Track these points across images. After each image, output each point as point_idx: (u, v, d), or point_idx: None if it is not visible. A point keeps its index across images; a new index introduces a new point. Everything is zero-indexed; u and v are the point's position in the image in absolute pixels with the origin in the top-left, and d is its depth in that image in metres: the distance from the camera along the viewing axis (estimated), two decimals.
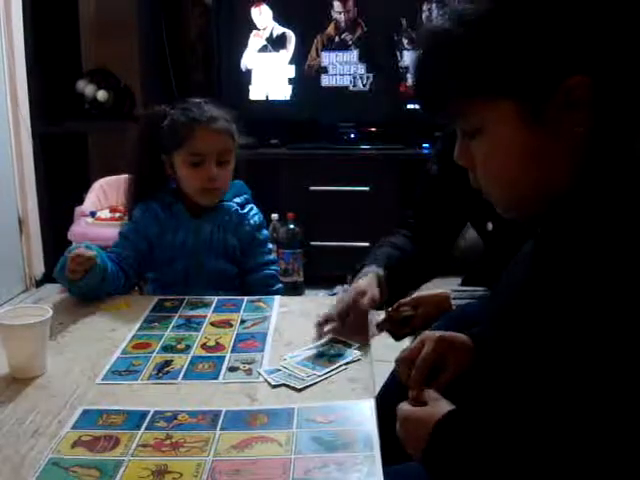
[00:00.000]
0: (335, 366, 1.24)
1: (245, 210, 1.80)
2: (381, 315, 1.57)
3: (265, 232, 1.83)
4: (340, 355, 1.28)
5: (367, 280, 1.42)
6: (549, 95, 0.77)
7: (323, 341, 1.34)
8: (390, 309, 1.56)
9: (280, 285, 1.84)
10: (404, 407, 1.00)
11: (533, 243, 0.91)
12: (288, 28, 3.64)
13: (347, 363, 1.25)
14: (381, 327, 1.55)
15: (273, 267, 1.82)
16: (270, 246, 1.84)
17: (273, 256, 1.85)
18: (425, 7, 3.43)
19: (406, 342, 1.63)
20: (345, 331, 1.35)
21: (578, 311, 0.75)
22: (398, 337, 1.58)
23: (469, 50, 0.80)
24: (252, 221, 1.79)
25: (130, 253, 1.74)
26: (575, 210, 0.81)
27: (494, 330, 0.96)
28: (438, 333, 1.09)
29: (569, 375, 0.76)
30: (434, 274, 1.61)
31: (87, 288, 1.57)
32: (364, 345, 1.32)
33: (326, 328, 1.37)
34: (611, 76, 0.76)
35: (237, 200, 1.80)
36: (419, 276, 1.59)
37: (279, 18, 3.63)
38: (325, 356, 1.28)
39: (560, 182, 0.82)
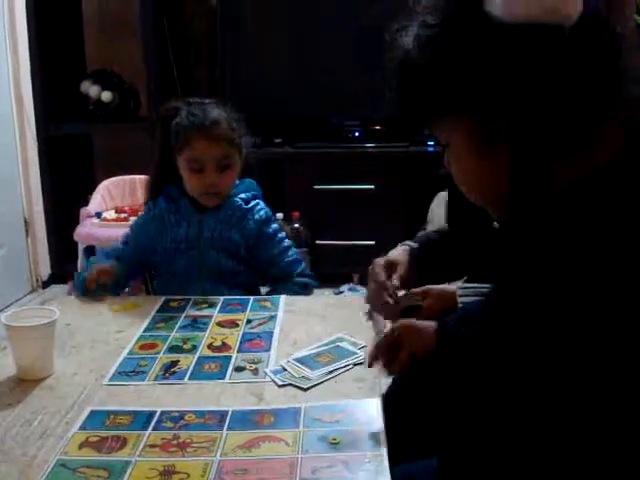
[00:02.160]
0: (341, 366, 1.24)
1: (250, 205, 1.79)
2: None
3: (274, 226, 1.82)
4: (346, 355, 1.28)
5: (399, 252, 1.41)
6: (495, 112, 0.80)
7: (329, 340, 1.34)
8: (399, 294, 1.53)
9: (303, 266, 1.83)
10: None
11: None
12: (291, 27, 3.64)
13: (355, 364, 1.25)
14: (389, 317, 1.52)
15: (290, 253, 1.81)
16: (282, 235, 1.83)
17: (287, 243, 1.83)
18: None
19: None
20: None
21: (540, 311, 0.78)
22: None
23: (427, 73, 0.84)
24: (257, 216, 1.78)
25: (134, 255, 1.80)
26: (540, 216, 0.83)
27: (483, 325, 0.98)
28: (405, 321, 1.20)
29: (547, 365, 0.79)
30: (466, 270, 1.59)
31: (101, 294, 1.66)
32: (370, 344, 1.32)
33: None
34: (527, 105, 0.79)
35: (242, 196, 1.79)
36: (452, 266, 1.56)
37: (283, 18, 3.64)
38: (331, 356, 1.28)
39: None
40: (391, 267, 1.37)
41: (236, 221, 1.76)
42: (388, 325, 1.43)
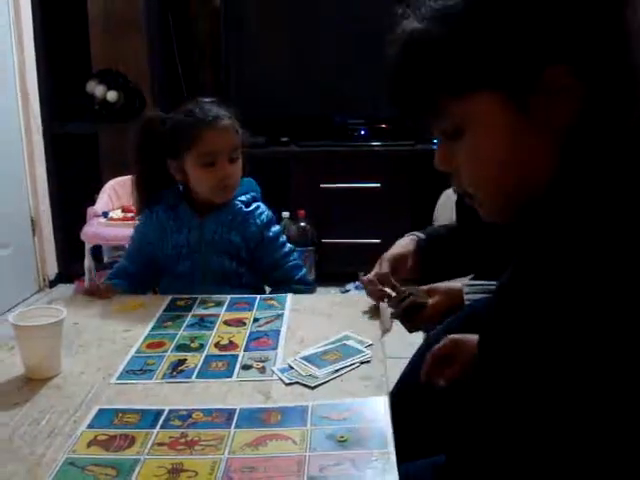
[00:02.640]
0: (348, 364, 1.24)
1: (250, 208, 1.79)
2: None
3: (275, 228, 1.82)
4: (352, 354, 1.28)
5: (406, 242, 1.40)
6: (532, 85, 0.75)
7: (335, 338, 1.34)
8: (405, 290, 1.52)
9: (304, 270, 1.85)
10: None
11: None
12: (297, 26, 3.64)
13: (361, 362, 1.25)
14: (395, 315, 1.52)
15: (292, 258, 1.82)
16: (283, 239, 1.83)
17: (289, 247, 1.84)
18: None
19: (419, 336, 1.63)
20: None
21: (557, 314, 0.74)
22: (411, 329, 1.57)
23: (449, 47, 0.78)
24: (259, 220, 1.78)
25: (137, 269, 1.82)
26: (550, 214, 0.79)
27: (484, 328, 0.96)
28: (454, 337, 1.19)
29: (547, 374, 0.77)
30: (473, 267, 1.58)
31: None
32: (377, 342, 1.32)
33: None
34: (594, 65, 0.74)
35: (242, 198, 1.79)
36: (459, 262, 1.55)
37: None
38: (338, 354, 1.28)
39: (538, 182, 0.80)
40: (398, 261, 1.37)
41: (237, 225, 1.76)
42: (394, 324, 1.44)
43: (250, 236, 1.77)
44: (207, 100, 1.77)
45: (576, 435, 0.76)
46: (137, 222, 1.87)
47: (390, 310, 1.47)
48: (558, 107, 0.76)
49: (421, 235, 1.44)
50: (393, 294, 1.45)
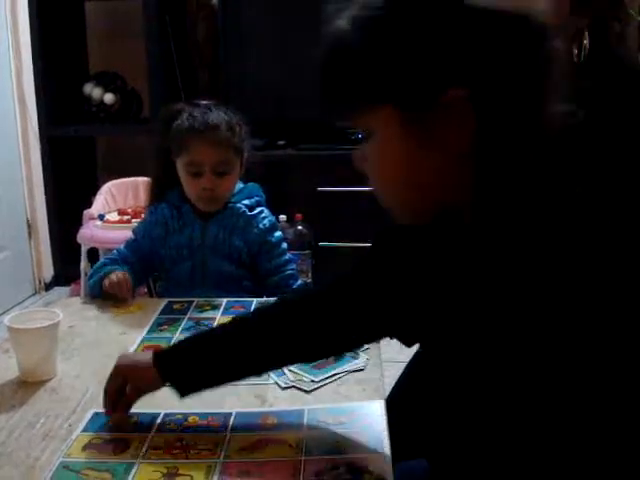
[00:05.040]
0: (342, 371, 1.23)
1: (254, 212, 1.78)
2: None
3: (277, 234, 1.81)
4: (348, 359, 1.27)
5: None
6: (429, 104, 0.77)
7: None
8: None
9: (300, 282, 1.84)
10: None
11: None
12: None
13: (355, 371, 1.24)
14: None
15: (289, 267, 1.81)
16: (284, 246, 1.82)
17: (288, 256, 1.83)
18: None
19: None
20: None
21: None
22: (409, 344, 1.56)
23: (363, 55, 0.80)
24: (261, 225, 1.77)
25: (135, 258, 1.79)
26: (475, 224, 0.81)
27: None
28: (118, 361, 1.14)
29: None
30: None
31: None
32: (373, 346, 1.32)
33: None
34: (489, 89, 0.77)
35: (246, 202, 1.78)
36: None
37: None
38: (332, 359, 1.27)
39: (452, 193, 0.82)
40: None
41: (240, 229, 1.76)
42: None
43: (252, 240, 1.76)
44: (213, 104, 1.75)
45: (562, 436, 0.77)
46: (144, 217, 1.87)
47: None
48: (453, 128, 0.77)
49: None
50: None
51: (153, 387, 1.09)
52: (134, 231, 1.86)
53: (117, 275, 1.64)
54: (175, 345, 1.15)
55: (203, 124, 1.68)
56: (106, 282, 1.62)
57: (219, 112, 1.72)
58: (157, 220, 1.79)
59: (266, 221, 1.78)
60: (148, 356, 1.09)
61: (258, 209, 1.79)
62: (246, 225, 1.76)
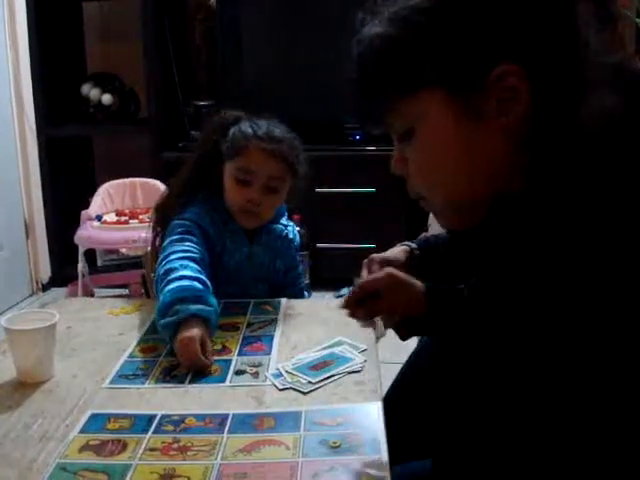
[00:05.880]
0: (339, 372, 1.23)
1: (289, 232, 1.71)
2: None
3: (298, 246, 1.76)
4: (345, 361, 1.27)
5: (397, 251, 1.39)
6: (479, 83, 0.76)
7: (328, 344, 1.34)
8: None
9: (307, 295, 1.80)
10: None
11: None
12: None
13: (352, 372, 1.23)
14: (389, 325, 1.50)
15: (300, 281, 1.77)
16: (299, 258, 1.78)
17: (301, 268, 1.80)
18: None
19: (413, 341, 1.63)
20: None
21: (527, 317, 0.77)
22: (404, 337, 1.55)
23: (406, 46, 0.79)
24: (295, 243, 1.73)
25: (204, 251, 1.54)
26: (529, 212, 0.79)
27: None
28: (393, 271, 1.18)
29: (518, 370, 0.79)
30: (463, 278, 1.57)
31: None
32: (371, 347, 1.32)
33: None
34: (543, 64, 0.75)
35: (283, 221, 1.71)
36: (450, 272, 1.53)
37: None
38: (330, 361, 1.27)
39: (507, 181, 0.80)
40: (387, 265, 1.35)
41: (283, 251, 1.70)
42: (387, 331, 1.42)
43: (290, 258, 1.72)
44: (281, 125, 1.67)
45: (564, 437, 0.77)
46: (193, 211, 1.61)
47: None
48: (506, 106, 0.76)
49: (413, 245, 1.42)
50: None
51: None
52: (189, 225, 1.57)
53: (189, 338, 1.26)
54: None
55: (267, 133, 1.61)
56: (176, 344, 1.28)
57: (282, 127, 1.67)
58: (209, 221, 1.61)
59: (297, 238, 1.74)
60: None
61: (290, 226, 1.73)
62: (287, 248, 1.71)
